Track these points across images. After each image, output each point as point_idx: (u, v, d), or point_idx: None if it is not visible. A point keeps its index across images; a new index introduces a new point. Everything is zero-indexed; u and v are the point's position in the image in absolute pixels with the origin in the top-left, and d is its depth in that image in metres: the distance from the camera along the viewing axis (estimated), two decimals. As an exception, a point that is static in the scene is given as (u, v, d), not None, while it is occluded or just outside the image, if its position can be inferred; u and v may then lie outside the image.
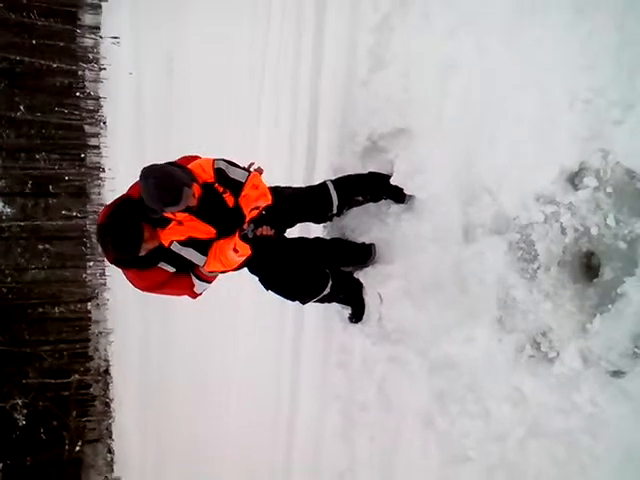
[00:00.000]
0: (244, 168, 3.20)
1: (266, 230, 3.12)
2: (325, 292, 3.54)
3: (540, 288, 2.95)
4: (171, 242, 3.05)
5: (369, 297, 3.71)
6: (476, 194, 3.21)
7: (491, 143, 3.12)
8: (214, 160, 3.11)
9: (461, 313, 3.30)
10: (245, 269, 3.47)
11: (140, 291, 3.30)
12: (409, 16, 3.55)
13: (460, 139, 3.27)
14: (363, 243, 3.81)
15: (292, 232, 3.71)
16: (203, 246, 3.09)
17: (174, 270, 3.16)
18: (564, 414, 2.77)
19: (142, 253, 2.99)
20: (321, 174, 4.20)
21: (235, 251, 2.99)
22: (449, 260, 3.35)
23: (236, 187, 3.11)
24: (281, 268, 3.48)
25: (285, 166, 4.70)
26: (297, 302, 3.62)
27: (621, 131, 2.57)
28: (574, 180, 2.82)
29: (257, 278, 3.53)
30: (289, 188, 3.51)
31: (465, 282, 3.29)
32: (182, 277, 3.25)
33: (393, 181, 3.56)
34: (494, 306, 3.15)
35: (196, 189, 2.96)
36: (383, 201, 3.70)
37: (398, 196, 3.61)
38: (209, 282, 3.31)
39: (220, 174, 3.08)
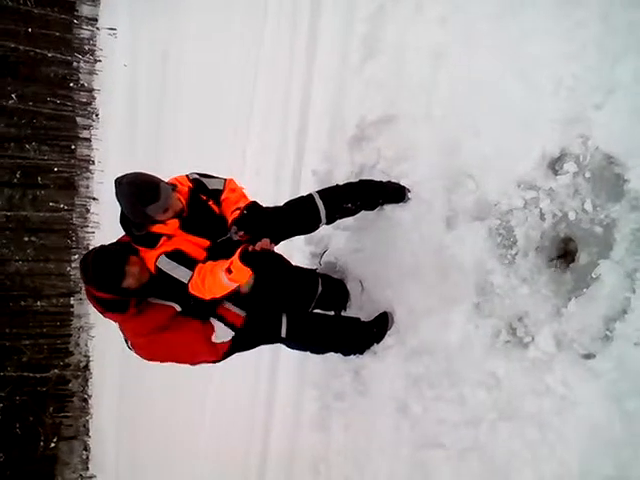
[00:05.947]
0: (218, 177, 3.09)
1: (265, 244, 2.61)
2: (319, 290, 3.46)
3: (517, 273, 3.00)
4: (158, 257, 2.68)
5: (351, 286, 3.74)
6: (459, 181, 3.25)
7: (477, 130, 3.17)
8: (187, 174, 3.01)
9: (440, 299, 3.33)
10: None
11: (143, 357, 2.84)
12: (401, 6, 3.62)
13: (446, 126, 3.32)
14: None
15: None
16: (194, 265, 2.73)
17: (179, 308, 2.74)
18: (536, 396, 2.80)
19: (130, 282, 2.62)
20: (310, 163, 4.24)
21: (228, 272, 2.57)
22: (430, 246, 3.38)
23: (217, 196, 2.99)
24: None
25: (276, 154, 4.73)
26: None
27: (601, 116, 2.62)
28: (555, 166, 2.87)
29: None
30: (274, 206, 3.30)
31: (445, 268, 3.32)
32: (191, 320, 2.75)
33: (379, 169, 3.60)
34: (472, 292, 3.19)
35: (182, 193, 2.83)
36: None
37: (397, 197, 3.48)
38: (236, 327, 2.81)
39: (199, 184, 2.98)
